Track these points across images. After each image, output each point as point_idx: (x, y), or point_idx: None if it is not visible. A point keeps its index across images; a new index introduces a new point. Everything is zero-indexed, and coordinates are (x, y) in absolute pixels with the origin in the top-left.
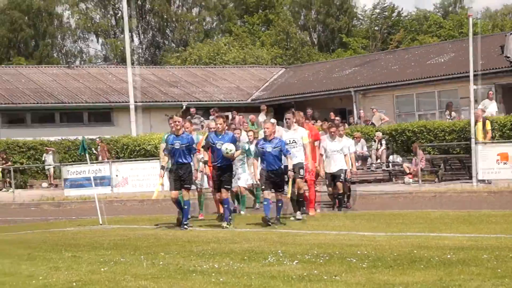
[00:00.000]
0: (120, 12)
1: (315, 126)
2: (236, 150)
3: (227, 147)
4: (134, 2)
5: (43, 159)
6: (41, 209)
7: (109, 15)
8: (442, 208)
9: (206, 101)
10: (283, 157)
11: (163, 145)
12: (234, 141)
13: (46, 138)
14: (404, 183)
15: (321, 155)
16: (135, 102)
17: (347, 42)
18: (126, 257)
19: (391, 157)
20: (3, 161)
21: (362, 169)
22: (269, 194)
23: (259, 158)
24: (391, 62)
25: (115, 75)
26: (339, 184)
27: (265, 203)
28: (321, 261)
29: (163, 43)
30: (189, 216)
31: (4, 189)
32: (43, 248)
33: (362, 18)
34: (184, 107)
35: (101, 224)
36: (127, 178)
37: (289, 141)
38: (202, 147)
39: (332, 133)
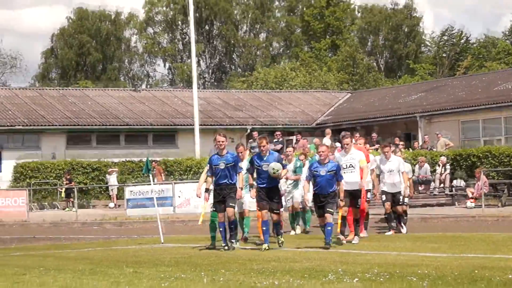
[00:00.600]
0: (187, 36)
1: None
2: (283, 169)
3: (274, 167)
4: (202, 27)
5: (106, 180)
6: (103, 228)
7: (176, 40)
8: (505, 232)
9: (270, 124)
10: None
11: (207, 168)
12: (280, 160)
13: (110, 160)
14: (466, 207)
15: (377, 175)
16: (200, 125)
17: (414, 68)
18: (186, 273)
19: (454, 182)
20: (67, 182)
21: (425, 193)
22: (323, 220)
23: (310, 181)
24: (458, 88)
25: (180, 98)
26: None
27: (328, 228)
28: (381, 279)
29: (229, 68)
30: (237, 237)
31: (67, 209)
32: (105, 264)
33: (429, 44)
34: (248, 130)
35: (162, 243)
36: (189, 199)
37: (346, 165)
38: (247, 169)
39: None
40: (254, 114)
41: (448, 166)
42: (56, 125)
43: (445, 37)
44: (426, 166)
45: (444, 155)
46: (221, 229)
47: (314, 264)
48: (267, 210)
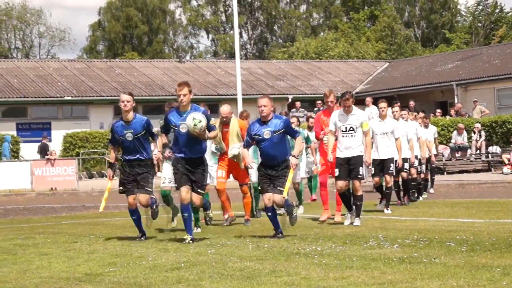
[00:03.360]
0: (230, 9)
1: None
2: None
3: (194, 117)
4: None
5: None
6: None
7: (219, 12)
8: None
9: (311, 94)
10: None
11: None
12: (206, 115)
13: (156, 129)
14: (502, 173)
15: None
16: (243, 94)
17: (450, 37)
18: (232, 240)
19: (490, 148)
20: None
21: (462, 159)
22: (269, 200)
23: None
24: (493, 56)
25: (224, 69)
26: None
27: (269, 214)
28: (420, 245)
29: (270, 39)
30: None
31: (115, 177)
32: (152, 231)
33: (465, 14)
34: (289, 99)
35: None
36: None
37: (346, 128)
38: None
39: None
40: (295, 83)
41: (483, 133)
42: (104, 96)
43: (480, 7)
44: (464, 133)
45: (479, 122)
46: (134, 217)
47: (356, 230)
48: (187, 190)
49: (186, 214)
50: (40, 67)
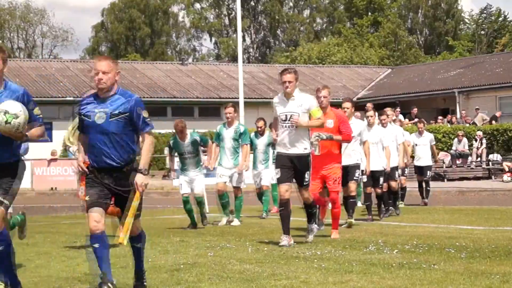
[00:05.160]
0: (233, 12)
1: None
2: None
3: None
4: (247, 3)
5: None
6: (150, 198)
7: (222, 15)
8: None
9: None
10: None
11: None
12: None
13: (157, 131)
14: (503, 181)
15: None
16: (245, 98)
17: (453, 45)
18: (231, 243)
19: (491, 156)
20: None
21: (462, 166)
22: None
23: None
24: (495, 64)
25: (226, 72)
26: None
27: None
28: (420, 251)
29: (273, 43)
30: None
31: None
32: (152, 233)
33: (468, 22)
34: None
35: (208, 213)
36: None
37: (286, 116)
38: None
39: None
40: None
41: (484, 141)
42: None
43: (484, 15)
44: (465, 140)
45: (480, 130)
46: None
47: (355, 235)
48: None
49: None
50: (43, 67)
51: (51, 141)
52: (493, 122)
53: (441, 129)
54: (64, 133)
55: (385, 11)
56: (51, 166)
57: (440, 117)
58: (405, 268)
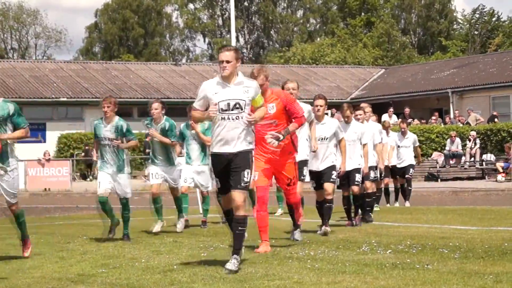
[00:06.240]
0: (227, 12)
1: None
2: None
3: None
4: (241, 3)
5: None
6: (143, 198)
7: (216, 16)
8: None
9: (306, 98)
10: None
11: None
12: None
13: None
14: (496, 181)
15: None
16: None
17: (446, 45)
18: (225, 243)
19: (484, 156)
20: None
21: (456, 166)
22: None
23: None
24: (489, 64)
25: (220, 73)
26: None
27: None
28: (413, 251)
29: (267, 43)
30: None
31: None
32: (145, 233)
33: (461, 22)
34: None
35: (200, 213)
36: None
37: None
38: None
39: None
40: None
41: (478, 141)
42: (99, 98)
43: (477, 15)
44: (458, 140)
45: (474, 130)
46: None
47: (349, 235)
48: None
49: None
50: (36, 67)
51: (45, 141)
52: (496, 120)
53: (435, 129)
54: (58, 134)
55: (378, 11)
56: (45, 167)
57: (433, 117)
58: (398, 269)
